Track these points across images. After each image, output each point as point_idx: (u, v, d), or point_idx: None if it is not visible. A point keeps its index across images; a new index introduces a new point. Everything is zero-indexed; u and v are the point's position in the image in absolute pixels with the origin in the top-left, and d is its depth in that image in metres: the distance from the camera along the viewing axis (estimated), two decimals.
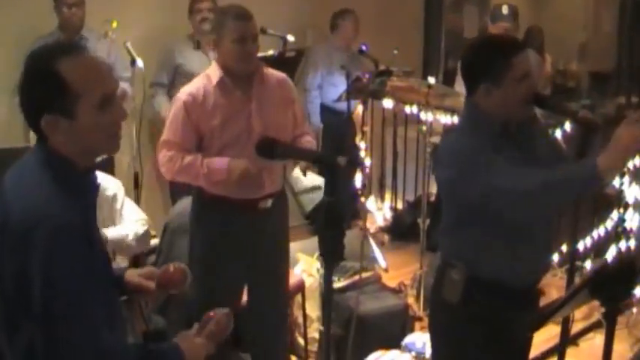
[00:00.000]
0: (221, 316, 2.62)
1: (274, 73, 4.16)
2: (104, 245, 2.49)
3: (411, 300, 5.63)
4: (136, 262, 4.75)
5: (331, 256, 2.24)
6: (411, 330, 5.09)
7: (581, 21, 11.10)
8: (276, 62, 4.20)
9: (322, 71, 7.21)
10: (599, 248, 6.02)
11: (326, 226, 2.19)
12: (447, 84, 7.37)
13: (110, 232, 4.13)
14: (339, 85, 6.77)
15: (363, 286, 5.08)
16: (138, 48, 5.49)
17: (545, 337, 4.25)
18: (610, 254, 5.85)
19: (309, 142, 4.26)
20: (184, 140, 3.95)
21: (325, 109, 7.19)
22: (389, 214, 7.74)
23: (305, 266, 5.09)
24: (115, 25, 5.71)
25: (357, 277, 5.03)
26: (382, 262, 6.26)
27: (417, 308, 5.56)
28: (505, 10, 5.68)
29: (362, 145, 7.00)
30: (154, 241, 5.04)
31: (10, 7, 5.80)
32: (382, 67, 6.32)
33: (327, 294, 2.48)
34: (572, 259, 3.72)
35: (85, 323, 2.14)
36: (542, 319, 2.64)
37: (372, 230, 7.17)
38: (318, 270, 5.00)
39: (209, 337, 2.52)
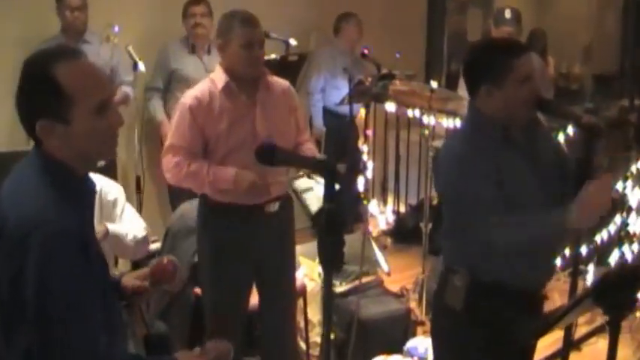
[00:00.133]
0: (223, 347, 2.61)
1: (278, 81, 4.16)
2: (101, 250, 2.47)
3: (413, 304, 5.61)
4: (137, 266, 4.74)
5: (331, 264, 2.22)
6: (413, 334, 5.08)
7: (585, 23, 11.08)
8: (279, 66, 4.19)
9: (325, 74, 7.21)
10: (602, 252, 5.99)
11: (325, 234, 2.17)
12: (449, 87, 7.37)
13: (111, 226, 4.11)
14: (342, 89, 6.75)
15: (365, 290, 5.08)
16: (140, 51, 5.49)
17: (548, 342, 4.22)
18: (613, 258, 5.84)
19: (310, 149, 4.26)
20: (191, 144, 3.92)
21: (328, 113, 7.19)
22: (391, 218, 7.72)
23: (307, 270, 5.08)
24: (116, 29, 5.71)
25: (358, 282, 5.03)
26: (384, 265, 6.22)
27: (420, 312, 5.54)
28: (508, 14, 5.66)
29: (364, 148, 6.99)
30: (156, 245, 5.03)
31: (13, 11, 5.79)
32: (385, 71, 6.31)
33: (327, 302, 2.46)
34: (575, 263, 3.71)
35: (82, 329, 2.13)
36: (545, 326, 2.63)
37: (374, 234, 7.15)
38: (319, 274, 4.99)
39: None
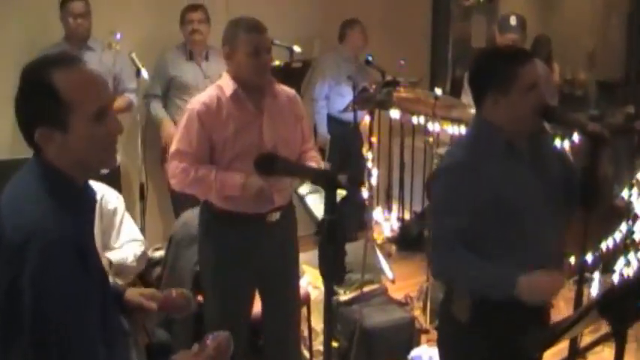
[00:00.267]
0: (221, 339, 2.59)
1: (284, 89, 4.15)
2: (100, 259, 2.45)
3: (417, 312, 5.60)
4: (141, 275, 4.73)
5: (331, 276, 2.20)
6: (418, 343, 5.06)
7: (589, 29, 11.04)
8: (283, 73, 4.19)
9: (330, 81, 7.20)
10: (608, 260, 5.96)
11: (326, 246, 2.15)
12: (454, 93, 7.34)
13: (113, 257, 4.12)
14: (346, 96, 6.74)
15: (369, 298, 5.06)
16: (142, 59, 5.49)
17: (553, 351, 4.17)
18: (618, 266, 5.80)
19: (315, 157, 4.25)
20: (198, 150, 3.90)
21: (332, 120, 7.17)
22: (396, 225, 7.70)
23: (311, 278, 5.06)
24: (118, 36, 5.71)
25: (364, 289, 5.01)
26: (389, 273, 6.22)
27: (424, 321, 5.52)
28: (513, 21, 5.63)
29: (369, 155, 6.97)
30: (159, 253, 5.02)
31: (16, 18, 5.80)
32: (389, 78, 6.30)
33: (328, 314, 2.44)
34: (581, 271, 3.67)
35: (80, 338, 2.12)
36: (551, 338, 2.60)
37: (378, 241, 7.13)
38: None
39: None
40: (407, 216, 7.73)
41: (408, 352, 4.76)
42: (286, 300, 4.26)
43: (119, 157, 5.88)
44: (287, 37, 5.97)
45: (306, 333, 4.90)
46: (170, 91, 6.20)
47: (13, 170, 2.29)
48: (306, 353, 4.93)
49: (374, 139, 6.97)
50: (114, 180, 5.57)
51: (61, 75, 2.16)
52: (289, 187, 4.12)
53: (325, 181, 2.27)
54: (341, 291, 5.04)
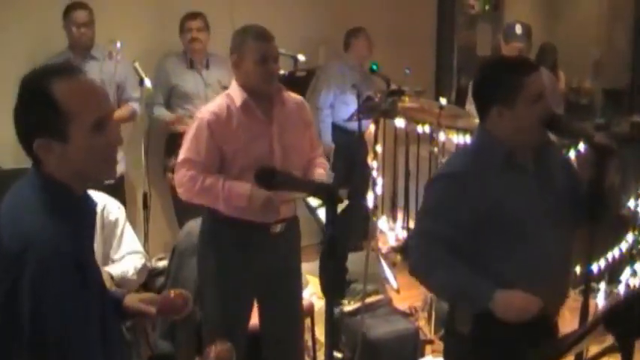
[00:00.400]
0: (221, 350, 2.57)
1: (292, 96, 4.14)
2: (99, 271, 2.44)
3: (422, 323, 5.57)
4: (144, 285, 4.72)
5: (332, 292, 2.18)
6: (422, 354, 5.05)
7: (595, 37, 11.03)
8: (287, 82, 4.16)
9: (335, 90, 7.18)
10: (614, 270, 5.94)
11: (327, 261, 2.12)
12: (459, 102, 7.33)
13: (114, 270, 4.10)
14: (351, 104, 6.72)
15: (374, 309, 5.04)
16: (145, 68, 5.48)
17: None
18: (624, 276, 5.78)
19: (323, 163, 4.25)
20: (207, 159, 3.88)
21: (337, 129, 7.15)
22: (401, 234, 7.66)
23: (315, 289, 5.03)
24: (118, 45, 5.70)
25: (368, 300, 4.99)
26: (393, 282, 6.18)
27: (428, 331, 5.49)
28: (519, 29, 5.61)
29: (374, 164, 6.95)
30: (163, 263, 5.01)
31: (21, 26, 5.80)
32: (394, 87, 6.28)
33: (329, 329, 2.42)
34: (587, 281, 3.65)
35: (78, 350, 2.11)
36: (556, 353, 2.57)
37: (383, 250, 7.10)
38: None
39: None
40: (412, 225, 7.68)
41: None
42: (286, 312, 4.23)
43: (123, 167, 5.88)
44: (292, 45, 5.95)
45: (310, 343, 4.87)
46: (171, 99, 6.19)
47: (16, 180, 2.28)
48: None
49: (379, 148, 6.95)
50: (118, 189, 5.56)
51: (60, 85, 2.14)
52: (294, 199, 4.10)
53: (325, 195, 2.25)
54: (345, 301, 5.02)
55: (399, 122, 7.06)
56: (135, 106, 5.92)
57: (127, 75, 5.82)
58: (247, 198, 3.79)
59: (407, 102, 6.08)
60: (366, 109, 6.36)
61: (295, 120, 4.07)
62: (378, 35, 7.44)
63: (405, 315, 5.56)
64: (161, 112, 6.10)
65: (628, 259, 5.84)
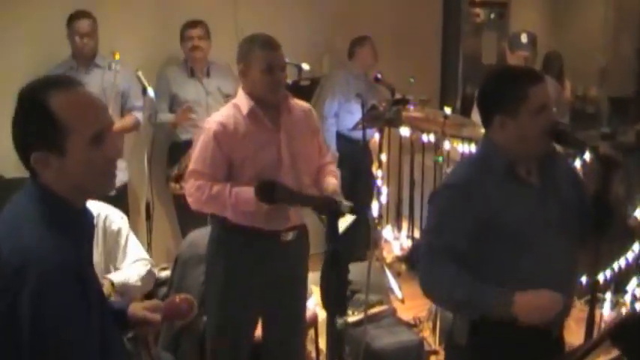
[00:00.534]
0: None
1: (299, 103, 4.15)
2: (99, 283, 2.42)
3: (426, 333, 5.55)
4: (148, 295, 4.70)
5: (334, 307, 2.16)
6: None
7: (601, 45, 11.01)
8: (291, 91, 4.16)
9: (340, 99, 7.16)
10: (620, 280, 5.90)
11: (329, 277, 2.10)
12: (464, 110, 7.31)
13: (115, 277, 4.07)
14: (355, 113, 6.71)
15: (378, 320, 5.02)
16: (148, 76, 5.48)
17: None
18: (631, 286, 5.74)
19: (333, 171, 4.23)
20: (214, 171, 3.88)
21: (341, 137, 7.13)
22: (406, 243, 7.63)
23: (319, 299, 5.00)
24: (117, 57, 5.69)
25: (373, 311, 4.97)
26: (398, 292, 6.17)
27: (433, 342, 5.47)
28: (524, 38, 5.60)
29: (379, 173, 6.93)
30: (166, 273, 4.99)
31: (25, 34, 5.79)
32: (398, 96, 6.27)
33: (332, 344, 2.39)
34: (593, 291, 3.62)
35: None
36: None
37: (388, 260, 7.08)
38: None
39: None
40: (417, 234, 7.66)
41: None
42: (289, 320, 4.22)
43: (126, 176, 5.87)
44: (296, 53, 5.94)
45: (314, 354, 4.85)
46: (173, 108, 6.18)
47: (19, 188, 2.25)
48: None
49: (383, 157, 6.93)
50: (121, 199, 5.56)
51: (58, 98, 2.12)
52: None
53: (327, 210, 2.22)
54: (349, 312, 4.99)
55: (404, 131, 7.04)
56: (138, 115, 5.91)
57: (131, 84, 5.81)
58: (255, 202, 3.75)
59: (411, 111, 6.07)
60: (371, 118, 6.35)
61: (302, 127, 4.07)
62: (383, 44, 7.43)
63: (410, 326, 5.55)
64: (165, 116, 6.09)
65: (634, 269, 5.80)
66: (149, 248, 5.51)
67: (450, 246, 2.92)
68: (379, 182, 6.99)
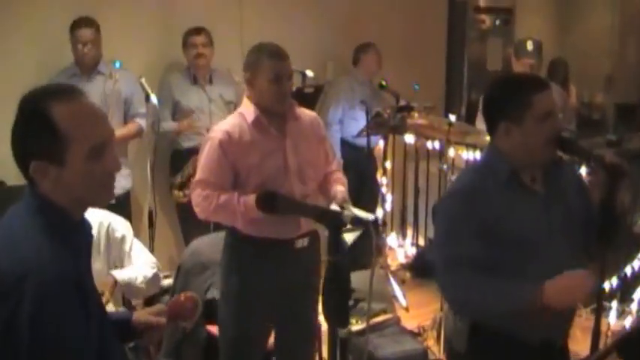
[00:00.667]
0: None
1: (305, 111, 4.13)
2: (98, 293, 2.40)
3: (431, 342, 5.51)
4: (150, 302, 4.68)
5: (335, 320, 2.13)
6: None
7: (607, 52, 10.99)
8: (295, 97, 4.13)
9: (344, 105, 7.13)
10: (626, 288, 5.87)
11: (331, 290, 2.07)
12: (469, 117, 7.28)
13: (119, 275, 4.05)
14: (360, 120, 6.69)
15: (382, 329, 4.99)
16: (150, 83, 5.47)
17: None
18: (637, 294, 5.71)
19: (341, 178, 4.21)
20: (221, 180, 3.86)
21: (345, 144, 7.10)
22: (410, 251, 7.60)
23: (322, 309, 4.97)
24: (117, 65, 5.67)
25: (376, 319, 4.94)
26: (402, 301, 6.15)
27: (437, 351, 5.43)
28: (530, 46, 5.57)
29: (383, 180, 6.91)
30: (168, 281, 4.97)
31: (28, 39, 5.77)
32: (403, 102, 6.24)
33: (333, 358, 2.36)
34: (599, 300, 3.58)
35: None
36: None
37: (393, 267, 7.05)
38: None
39: None
40: (421, 242, 7.64)
41: None
42: (300, 329, 4.20)
43: (130, 183, 5.85)
44: (300, 60, 5.92)
45: None
46: (176, 115, 6.17)
47: (21, 196, 2.23)
48: None
49: (388, 164, 6.91)
50: (124, 206, 5.54)
51: (59, 107, 2.10)
52: None
53: (329, 221, 2.19)
54: (353, 320, 4.95)
55: (409, 138, 7.02)
56: (142, 122, 5.88)
57: (134, 91, 5.78)
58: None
59: (416, 118, 6.05)
60: (375, 125, 6.33)
61: (309, 135, 4.06)
62: (388, 50, 7.40)
63: (414, 334, 5.51)
64: (168, 125, 6.07)
65: None
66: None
67: (466, 254, 2.90)
68: (384, 189, 6.97)
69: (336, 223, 2.16)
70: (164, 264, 5.89)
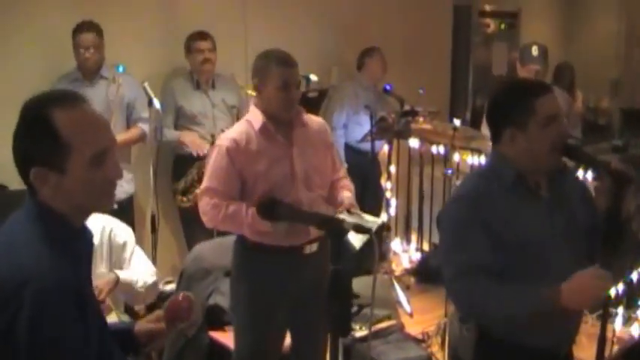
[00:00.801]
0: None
1: (313, 118, 4.12)
2: (98, 302, 2.38)
3: (435, 348, 5.48)
4: (152, 308, 4.66)
5: (338, 330, 2.10)
6: None
7: (613, 57, 10.97)
8: (299, 102, 4.11)
9: (348, 110, 7.13)
10: (632, 294, 5.83)
11: (332, 297, 2.04)
12: (474, 121, 7.25)
13: (122, 274, 4.04)
14: (364, 125, 6.68)
15: (386, 335, 4.96)
16: (154, 88, 5.45)
17: None
18: None
19: (348, 185, 4.20)
20: (228, 188, 3.85)
21: (349, 149, 7.09)
22: (415, 256, 7.57)
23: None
24: (120, 69, 5.65)
25: (380, 326, 4.92)
26: (407, 306, 6.11)
27: (441, 357, 5.40)
28: (535, 51, 5.52)
29: (387, 185, 6.88)
30: (171, 287, 4.96)
31: (30, 44, 5.75)
32: (407, 107, 6.22)
33: None
34: (605, 306, 3.55)
35: None
36: None
37: (397, 273, 7.02)
38: None
39: None
40: (426, 247, 7.61)
41: None
42: (314, 333, 4.14)
43: (133, 188, 5.83)
44: (305, 65, 5.86)
45: None
46: (179, 120, 6.14)
47: (23, 201, 2.21)
48: None
49: (392, 169, 6.88)
50: (127, 211, 5.52)
51: (61, 114, 2.09)
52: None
53: (330, 229, 2.16)
54: (357, 327, 4.94)
55: (413, 143, 6.99)
56: (144, 127, 5.86)
57: (137, 95, 5.76)
58: (271, 223, 3.71)
59: (421, 123, 6.03)
60: (380, 130, 6.31)
61: (315, 142, 4.04)
62: (392, 55, 7.39)
63: (418, 341, 5.48)
64: (171, 134, 6.04)
65: None
66: (154, 261, 5.47)
67: (475, 259, 2.86)
68: (388, 194, 6.93)
69: (337, 231, 2.13)
70: (167, 269, 5.88)
